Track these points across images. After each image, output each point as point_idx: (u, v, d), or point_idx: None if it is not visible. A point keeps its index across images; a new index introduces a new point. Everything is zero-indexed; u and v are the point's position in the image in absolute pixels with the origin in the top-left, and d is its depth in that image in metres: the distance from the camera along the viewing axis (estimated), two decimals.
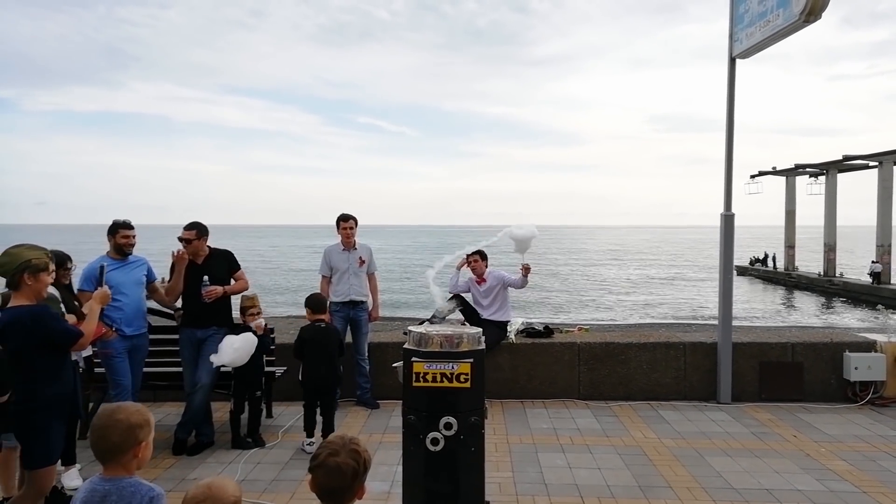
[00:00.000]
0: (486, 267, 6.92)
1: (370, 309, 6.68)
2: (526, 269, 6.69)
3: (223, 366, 5.22)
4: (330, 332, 5.56)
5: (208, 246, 5.46)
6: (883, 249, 31.64)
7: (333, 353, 5.46)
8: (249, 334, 5.29)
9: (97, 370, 5.38)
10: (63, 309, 4.30)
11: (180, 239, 5.37)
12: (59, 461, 3.97)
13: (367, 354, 6.56)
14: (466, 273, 7.02)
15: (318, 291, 6.18)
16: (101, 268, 4.56)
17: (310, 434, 5.37)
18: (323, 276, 6.70)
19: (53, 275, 3.55)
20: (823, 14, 5.37)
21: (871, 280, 32.81)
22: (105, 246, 5.20)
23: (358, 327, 6.54)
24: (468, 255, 6.87)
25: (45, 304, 3.57)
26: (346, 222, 6.55)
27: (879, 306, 29.32)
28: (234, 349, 5.11)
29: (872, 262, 33.47)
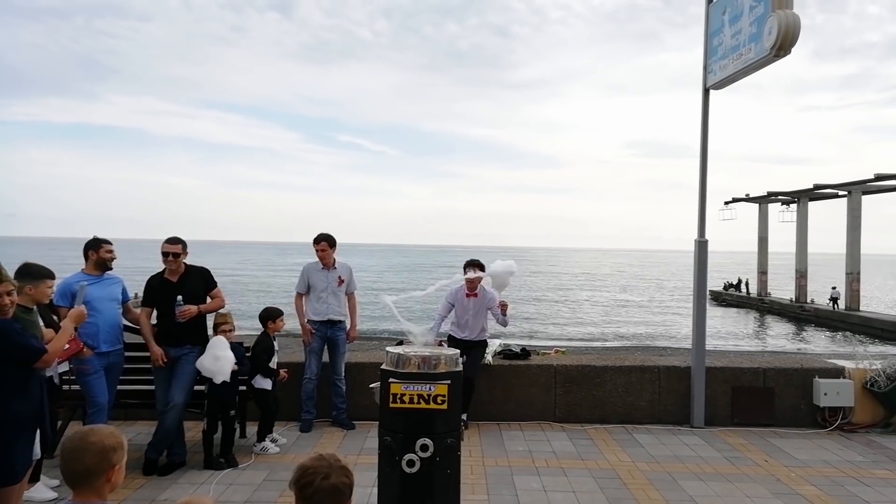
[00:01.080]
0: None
1: (348, 329, 6.66)
2: (503, 307, 6.60)
3: (203, 372, 5.18)
4: (256, 341, 5.89)
5: (184, 263, 5.41)
6: (852, 277, 32.33)
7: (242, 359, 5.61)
8: (230, 355, 5.24)
9: (72, 387, 5.28)
10: (41, 323, 4.26)
11: (165, 253, 5.29)
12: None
13: (343, 374, 6.52)
14: (452, 284, 6.62)
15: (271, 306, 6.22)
16: (81, 286, 4.53)
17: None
18: (298, 293, 6.67)
19: (9, 297, 3.48)
20: (793, 49, 5.56)
21: (830, 305, 34.70)
22: (78, 260, 5.14)
23: (335, 347, 6.51)
24: (466, 268, 6.57)
25: (9, 319, 3.49)
26: (317, 244, 6.50)
27: (847, 333, 29.88)
28: (214, 357, 5.08)
29: (832, 288, 35.44)
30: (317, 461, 2.12)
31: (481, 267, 6.55)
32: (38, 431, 3.78)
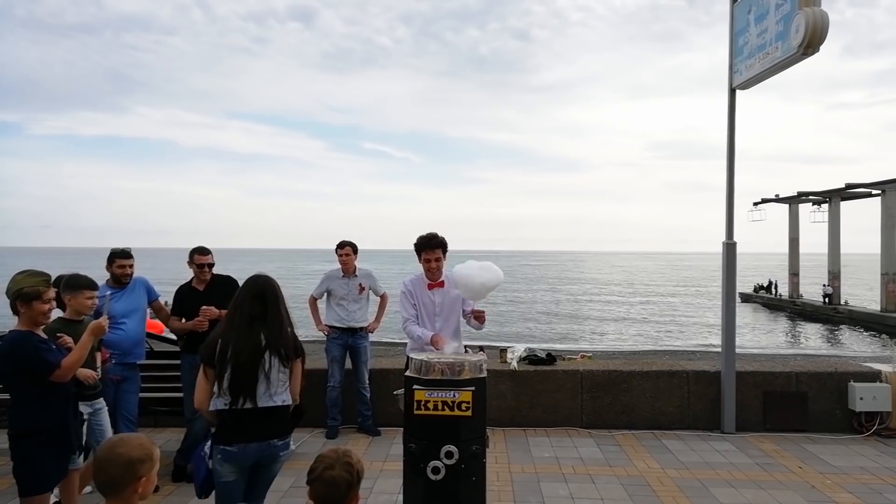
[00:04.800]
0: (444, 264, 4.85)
1: (371, 322, 6.67)
2: (479, 316, 4.77)
3: None
4: None
5: (212, 272, 5.48)
6: (888, 278, 31.52)
7: None
8: None
9: None
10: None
11: (201, 265, 5.34)
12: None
13: (367, 382, 6.51)
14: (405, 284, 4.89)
15: None
16: (106, 298, 4.58)
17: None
18: (312, 297, 6.73)
19: (53, 303, 3.54)
20: (822, 46, 5.45)
21: (824, 302, 36.51)
22: (105, 272, 5.21)
23: (357, 355, 6.51)
24: (424, 252, 4.76)
25: (26, 331, 3.50)
26: (341, 249, 6.56)
27: (883, 335, 29.11)
28: None
29: (824, 285, 37.01)
30: (330, 452, 2.30)
31: (445, 249, 4.82)
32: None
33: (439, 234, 4.81)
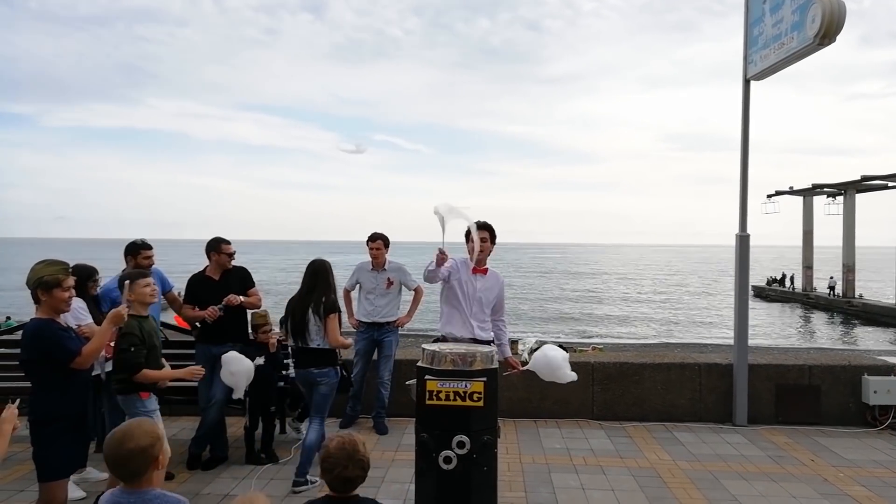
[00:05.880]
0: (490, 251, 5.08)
1: (401, 317, 6.56)
2: (509, 364, 5.28)
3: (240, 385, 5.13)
4: None
5: None
6: None
7: None
8: (245, 368, 5.04)
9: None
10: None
11: (229, 254, 5.40)
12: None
13: (388, 380, 6.37)
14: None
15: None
16: (127, 285, 4.62)
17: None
18: (345, 289, 6.64)
19: (72, 291, 3.60)
20: (838, 36, 5.38)
21: (828, 293, 38.24)
22: (120, 264, 5.26)
23: (381, 350, 6.42)
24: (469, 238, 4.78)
25: (46, 319, 3.53)
26: (372, 242, 6.43)
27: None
28: (230, 373, 4.95)
29: (830, 277, 38.78)
30: (337, 451, 2.40)
31: (493, 234, 5.06)
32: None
33: (491, 223, 5.10)
